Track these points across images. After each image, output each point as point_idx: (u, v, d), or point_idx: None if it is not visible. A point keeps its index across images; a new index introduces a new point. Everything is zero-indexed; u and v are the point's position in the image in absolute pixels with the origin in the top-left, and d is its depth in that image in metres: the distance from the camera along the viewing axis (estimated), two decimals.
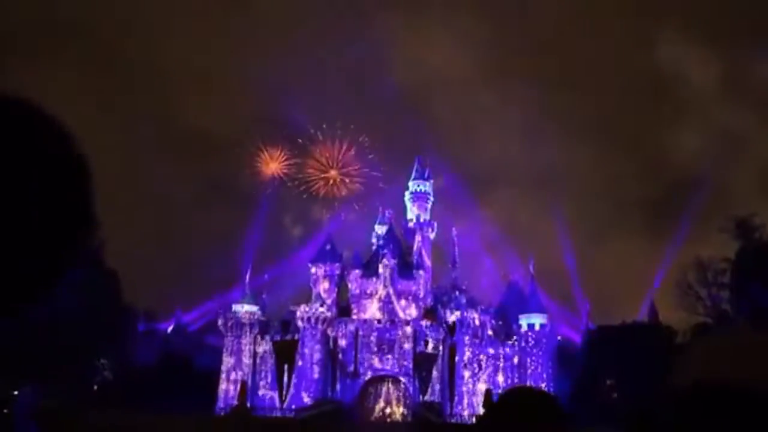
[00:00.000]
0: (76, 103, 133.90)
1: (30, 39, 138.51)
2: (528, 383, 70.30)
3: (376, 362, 69.87)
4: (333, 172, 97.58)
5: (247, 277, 78.38)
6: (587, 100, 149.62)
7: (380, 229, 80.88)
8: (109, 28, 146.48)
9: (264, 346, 72.82)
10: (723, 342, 1.09)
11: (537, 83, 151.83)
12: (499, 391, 62.03)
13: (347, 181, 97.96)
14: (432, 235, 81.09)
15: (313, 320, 70.57)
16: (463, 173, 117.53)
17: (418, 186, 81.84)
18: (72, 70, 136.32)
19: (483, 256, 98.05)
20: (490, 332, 71.86)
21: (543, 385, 69.71)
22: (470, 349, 69.87)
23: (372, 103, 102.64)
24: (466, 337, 69.76)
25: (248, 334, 72.99)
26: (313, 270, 76.54)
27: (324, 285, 74.94)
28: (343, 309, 74.33)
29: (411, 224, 79.76)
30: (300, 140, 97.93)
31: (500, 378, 70.16)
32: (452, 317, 70.64)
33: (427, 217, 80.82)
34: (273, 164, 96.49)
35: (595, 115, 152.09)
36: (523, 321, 72.25)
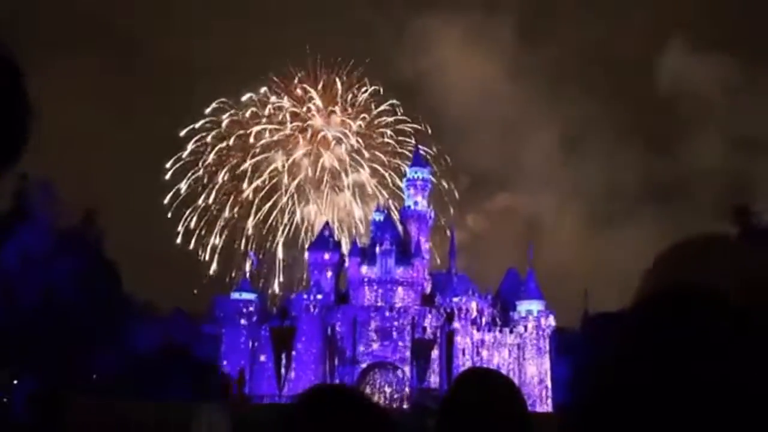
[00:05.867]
0: (91, 98, 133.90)
1: (49, 33, 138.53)
2: (527, 370, 70.63)
3: (374, 349, 70.03)
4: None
5: (246, 264, 78.68)
6: (606, 102, 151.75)
7: (378, 217, 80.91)
8: (128, 23, 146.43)
9: (262, 334, 72.96)
10: (681, 251, 1.05)
11: (558, 88, 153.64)
12: None
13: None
14: (430, 222, 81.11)
15: (311, 307, 70.66)
16: (481, 171, 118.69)
17: (416, 173, 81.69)
18: (90, 66, 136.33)
19: (484, 243, 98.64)
20: (487, 319, 72.03)
21: (541, 370, 70.08)
22: (468, 336, 70.04)
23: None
24: (465, 324, 69.91)
25: (246, 321, 73.10)
26: (311, 257, 76.67)
27: (322, 272, 74.99)
28: (342, 296, 74.47)
29: (409, 211, 79.71)
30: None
31: (498, 364, 70.39)
32: (450, 304, 70.76)
33: (425, 204, 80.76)
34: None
35: (612, 116, 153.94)
36: (521, 307, 72.39)
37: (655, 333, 0.83)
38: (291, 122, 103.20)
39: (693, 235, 1.13)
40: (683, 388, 0.77)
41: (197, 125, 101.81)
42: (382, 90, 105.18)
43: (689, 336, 0.81)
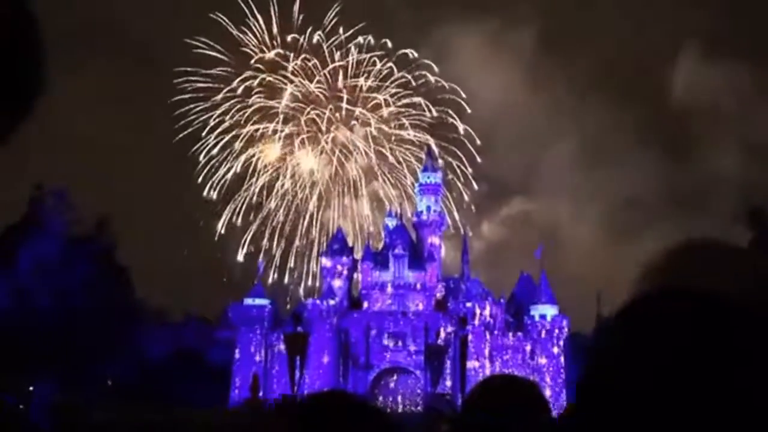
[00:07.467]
0: (100, 103, 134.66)
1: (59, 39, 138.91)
2: (540, 375, 70.26)
3: (387, 354, 69.94)
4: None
5: (260, 270, 78.97)
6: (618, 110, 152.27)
7: (391, 222, 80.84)
8: (139, 28, 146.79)
9: (275, 339, 73.04)
10: (677, 253, 1.02)
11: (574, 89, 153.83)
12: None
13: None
14: (443, 227, 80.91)
15: (324, 313, 70.65)
16: (498, 178, 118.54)
17: (428, 178, 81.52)
18: (97, 71, 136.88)
19: (500, 250, 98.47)
20: (501, 323, 71.76)
21: (555, 375, 69.69)
22: (481, 341, 69.78)
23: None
24: (478, 329, 69.66)
25: (260, 327, 73.20)
26: (324, 263, 76.67)
27: (335, 278, 74.99)
28: (355, 301, 74.43)
29: (421, 216, 79.57)
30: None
31: (512, 369, 70.07)
32: (463, 309, 70.53)
33: (438, 209, 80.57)
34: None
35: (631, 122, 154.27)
36: (535, 312, 72.07)
37: (644, 333, 0.80)
38: (308, 141, 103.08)
39: (690, 240, 1.06)
40: (666, 389, 0.73)
41: (214, 160, 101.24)
42: (404, 109, 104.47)
43: (679, 336, 0.76)
